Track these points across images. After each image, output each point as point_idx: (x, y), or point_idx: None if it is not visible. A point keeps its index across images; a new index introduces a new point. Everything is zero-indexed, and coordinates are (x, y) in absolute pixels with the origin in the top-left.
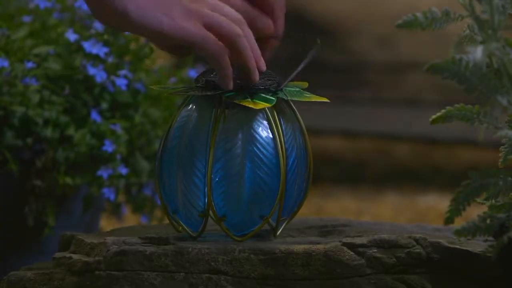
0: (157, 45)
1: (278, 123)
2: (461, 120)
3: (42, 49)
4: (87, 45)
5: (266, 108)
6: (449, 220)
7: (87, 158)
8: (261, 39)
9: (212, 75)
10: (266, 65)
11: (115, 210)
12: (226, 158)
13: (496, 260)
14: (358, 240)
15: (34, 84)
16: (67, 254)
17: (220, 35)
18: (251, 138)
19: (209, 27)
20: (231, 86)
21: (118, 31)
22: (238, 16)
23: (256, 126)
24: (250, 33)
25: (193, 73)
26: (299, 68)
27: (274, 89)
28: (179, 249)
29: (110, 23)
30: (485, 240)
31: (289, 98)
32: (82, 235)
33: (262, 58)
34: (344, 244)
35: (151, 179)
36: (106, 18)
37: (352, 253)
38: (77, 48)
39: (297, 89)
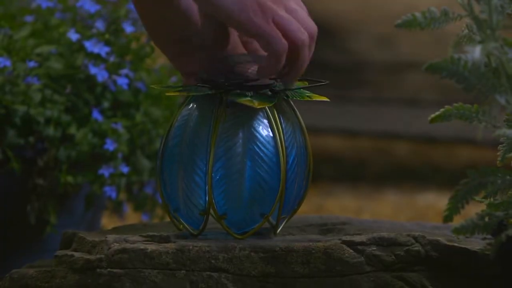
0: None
1: (279, 122)
2: (460, 119)
3: (44, 49)
4: (88, 45)
5: (267, 107)
6: (448, 218)
7: (89, 156)
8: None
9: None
10: None
11: (117, 208)
12: (227, 157)
13: (495, 258)
14: (357, 238)
15: (36, 83)
16: (69, 252)
17: (286, 37)
18: (252, 136)
19: (278, 26)
20: (266, 78)
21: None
22: (312, 25)
23: (256, 125)
24: (313, 47)
25: None
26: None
27: (274, 89)
28: (180, 247)
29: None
30: (484, 238)
31: (289, 97)
32: (84, 233)
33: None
34: (344, 242)
35: (152, 177)
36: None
37: (351, 251)
38: (79, 47)
39: (298, 89)
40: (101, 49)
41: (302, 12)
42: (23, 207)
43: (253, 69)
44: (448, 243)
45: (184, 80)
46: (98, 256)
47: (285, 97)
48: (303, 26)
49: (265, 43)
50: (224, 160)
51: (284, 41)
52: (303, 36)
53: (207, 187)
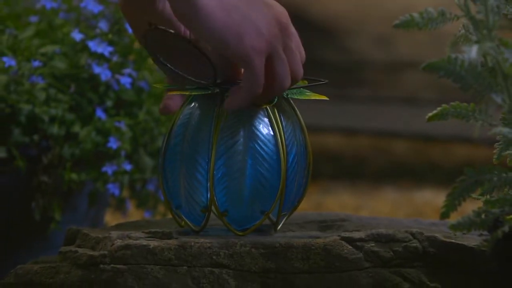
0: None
1: (279, 120)
2: (457, 117)
3: (49, 49)
4: (92, 45)
5: (267, 106)
6: (445, 215)
7: (92, 154)
8: None
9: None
10: None
11: (120, 206)
12: (228, 155)
13: (491, 254)
14: (356, 235)
15: (40, 83)
16: (73, 248)
17: (271, 77)
18: (252, 135)
19: (269, 63)
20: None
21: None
22: (300, 73)
23: (257, 123)
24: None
25: None
26: None
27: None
28: (182, 243)
29: (181, 21)
30: (480, 235)
31: (289, 96)
32: (88, 230)
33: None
34: (343, 238)
35: (154, 175)
36: (179, 14)
37: (350, 247)
38: (83, 47)
39: (297, 88)
40: (104, 49)
41: (298, 57)
42: (28, 204)
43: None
44: (445, 239)
45: (169, 81)
46: (101, 252)
47: (285, 96)
48: (293, 70)
49: (247, 76)
50: (225, 158)
51: (261, 83)
52: (287, 84)
53: (208, 185)
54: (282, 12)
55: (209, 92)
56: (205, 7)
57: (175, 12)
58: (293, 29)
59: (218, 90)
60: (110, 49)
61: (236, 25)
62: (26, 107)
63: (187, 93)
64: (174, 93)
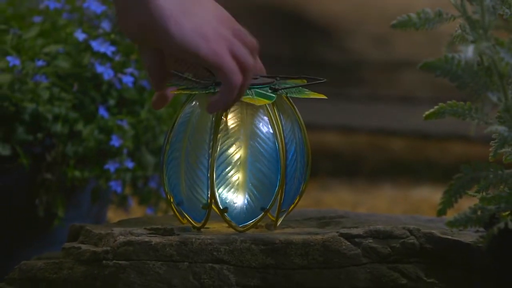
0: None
1: (278, 119)
2: (453, 116)
3: (52, 48)
4: (95, 44)
5: (267, 105)
6: (441, 212)
7: (95, 152)
8: None
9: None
10: None
11: (122, 202)
12: (228, 153)
13: (487, 250)
14: (354, 231)
15: (44, 82)
16: (76, 244)
17: (237, 63)
18: (252, 133)
19: (232, 54)
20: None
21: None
22: (252, 40)
23: (257, 121)
24: (256, 56)
25: None
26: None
27: (274, 87)
28: (183, 239)
29: (150, 43)
30: (476, 231)
31: (288, 95)
32: (91, 226)
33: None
34: (341, 234)
35: (156, 172)
36: (148, 33)
37: (348, 243)
38: (86, 47)
39: (297, 86)
40: (107, 49)
41: (242, 29)
42: (31, 201)
43: None
44: (442, 235)
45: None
46: (104, 248)
47: (285, 94)
48: (246, 43)
49: (223, 75)
50: (226, 156)
51: (239, 75)
52: (251, 60)
53: (209, 182)
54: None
55: (210, 91)
56: (172, 17)
57: (141, 27)
58: (227, 12)
59: (218, 89)
60: (112, 48)
61: (200, 28)
62: (30, 106)
63: (188, 92)
64: (175, 92)
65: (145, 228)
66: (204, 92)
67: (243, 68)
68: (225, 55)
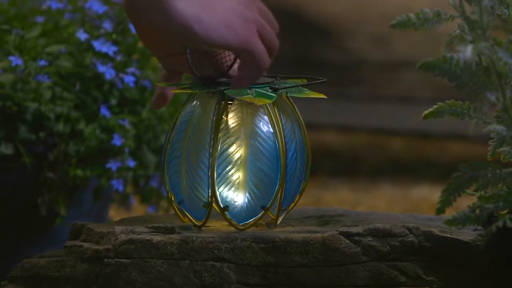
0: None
1: (278, 118)
2: (452, 115)
3: (54, 48)
4: (97, 44)
5: (267, 104)
6: (440, 210)
7: (97, 151)
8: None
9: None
10: None
11: (124, 201)
12: (229, 152)
13: (485, 248)
14: (354, 229)
15: (46, 81)
16: (78, 243)
17: (265, 45)
18: (253, 132)
19: (260, 35)
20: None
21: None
22: (276, 25)
23: (257, 121)
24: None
25: None
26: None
27: (274, 86)
28: (184, 237)
29: (177, 41)
30: (475, 229)
31: (288, 94)
32: (92, 225)
33: None
34: (341, 233)
35: (157, 171)
36: (173, 36)
37: (348, 241)
38: (88, 47)
39: (297, 86)
40: (108, 49)
41: (266, 9)
42: (34, 199)
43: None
44: (440, 234)
45: (166, 74)
46: (106, 246)
47: (285, 94)
48: (271, 25)
49: (254, 59)
50: (227, 155)
51: (267, 58)
52: (277, 42)
53: (210, 181)
54: None
55: (210, 90)
56: (193, 17)
57: (167, 31)
58: None
59: (219, 89)
60: (114, 48)
61: (225, 19)
62: (32, 105)
63: (189, 92)
64: (176, 91)
65: (146, 227)
66: (204, 91)
67: (270, 49)
68: (254, 40)
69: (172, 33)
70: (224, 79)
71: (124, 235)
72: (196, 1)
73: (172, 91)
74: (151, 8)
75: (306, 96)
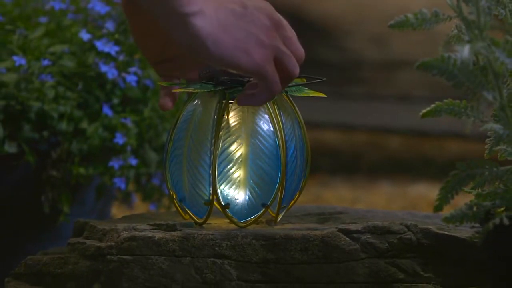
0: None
1: (279, 117)
2: (449, 114)
3: (57, 48)
4: (99, 44)
5: (267, 103)
6: (438, 208)
7: (100, 150)
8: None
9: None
10: None
11: (126, 199)
12: (230, 150)
13: (482, 245)
14: (353, 227)
15: (49, 81)
16: (81, 240)
17: (281, 70)
18: (253, 131)
19: (277, 61)
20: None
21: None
22: (301, 52)
23: (258, 119)
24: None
25: None
26: None
27: None
28: (185, 235)
29: (189, 55)
30: (472, 227)
31: (288, 93)
32: (95, 222)
33: None
34: (340, 230)
35: (159, 169)
36: (186, 50)
37: (347, 238)
38: (90, 47)
39: (296, 85)
40: (111, 48)
41: (294, 37)
42: (37, 197)
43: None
44: (438, 231)
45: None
46: (108, 243)
47: (285, 93)
48: (296, 53)
49: (265, 84)
50: (227, 153)
51: (278, 86)
52: (296, 71)
53: (211, 179)
54: (269, 8)
55: (212, 90)
56: (210, 35)
57: (183, 45)
58: (283, 19)
59: (220, 88)
60: (116, 48)
61: (241, 42)
62: (36, 104)
63: (190, 91)
64: (178, 90)
65: (148, 224)
66: (205, 90)
67: (286, 77)
68: (267, 66)
69: (187, 47)
70: (225, 77)
71: (126, 232)
72: (215, 22)
73: (173, 91)
74: (173, 20)
75: (306, 95)
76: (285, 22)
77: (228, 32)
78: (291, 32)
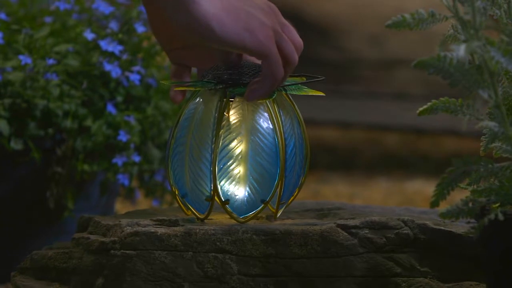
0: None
1: (278, 115)
2: (445, 112)
3: (62, 47)
4: (103, 44)
5: (267, 101)
6: (434, 204)
7: (104, 147)
8: None
9: (221, 70)
10: None
11: (129, 195)
12: (230, 147)
13: (477, 240)
14: (351, 222)
15: (54, 79)
16: (85, 235)
17: (282, 57)
18: (253, 128)
19: (278, 47)
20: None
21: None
22: (299, 40)
23: (257, 117)
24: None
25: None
26: None
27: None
28: (187, 230)
29: (193, 38)
30: (468, 222)
31: (288, 92)
32: (99, 217)
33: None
34: (339, 225)
35: (162, 166)
36: (192, 33)
37: (345, 233)
38: (94, 46)
39: (296, 84)
40: (115, 48)
41: (291, 28)
42: (43, 193)
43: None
44: (435, 226)
45: (174, 69)
46: (112, 238)
47: (284, 91)
48: (294, 41)
49: (268, 65)
50: (228, 150)
51: (282, 68)
52: (296, 57)
53: (212, 175)
54: None
55: (213, 88)
56: (214, 17)
57: (186, 28)
58: (277, 9)
59: (221, 86)
60: (120, 47)
61: (245, 23)
62: (41, 102)
63: (192, 89)
64: (180, 88)
65: (151, 219)
66: (207, 89)
67: (287, 62)
68: (271, 46)
69: (192, 30)
70: (226, 76)
71: (130, 228)
72: (219, 4)
73: (175, 89)
74: (175, 3)
75: (305, 94)
76: (278, 11)
77: (232, 14)
78: (287, 22)
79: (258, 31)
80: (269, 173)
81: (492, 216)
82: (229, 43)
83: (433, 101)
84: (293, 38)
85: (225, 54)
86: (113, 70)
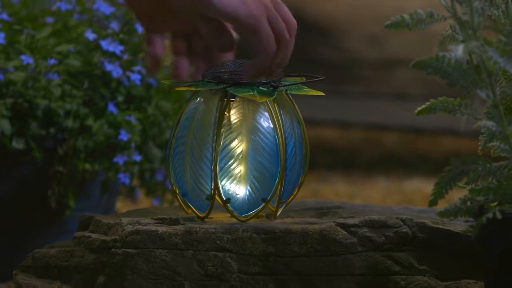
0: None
1: (278, 114)
2: (444, 111)
3: (64, 47)
4: (104, 44)
5: (268, 101)
6: (433, 203)
7: (105, 146)
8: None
9: (222, 70)
10: None
11: (130, 194)
12: (231, 147)
13: (476, 238)
14: (350, 221)
15: (56, 79)
16: (87, 233)
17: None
18: (254, 128)
19: (269, 21)
20: (251, 78)
21: (193, 13)
22: (292, 21)
23: (258, 117)
24: (293, 41)
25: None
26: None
27: (275, 84)
28: (188, 229)
29: (187, 5)
30: (466, 221)
31: (288, 91)
32: (100, 216)
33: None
34: (338, 224)
35: (162, 165)
36: (187, 3)
37: (345, 232)
38: (96, 46)
39: (296, 84)
40: (116, 48)
41: (284, 6)
42: (44, 192)
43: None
44: (433, 225)
45: (148, 37)
46: (113, 237)
47: (285, 91)
48: (286, 21)
49: (260, 39)
50: (229, 150)
51: (274, 42)
52: (287, 35)
53: (212, 174)
54: None
55: (213, 88)
56: None
57: (183, 2)
58: None
59: (221, 86)
60: (121, 48)
61: None
62: (42, 102)
63: (193, 89)
64: (181, 88)
65: (152, 218)
66: (207, 88)
67: (277, 39)
68: (263, 20)
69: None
70: (226, 76)
71: (131, 226)
72: None
73: (176, 89)
74: None
75: (305, 94)
76: None
77: None
78: (281, 2)
79: (251, 3)
80: (270, 172)
81: (490, 215)
82: (223, 11)
83: (432, 100)
84: (286, 17)
85: (215, 29)
86: (114, 70)
